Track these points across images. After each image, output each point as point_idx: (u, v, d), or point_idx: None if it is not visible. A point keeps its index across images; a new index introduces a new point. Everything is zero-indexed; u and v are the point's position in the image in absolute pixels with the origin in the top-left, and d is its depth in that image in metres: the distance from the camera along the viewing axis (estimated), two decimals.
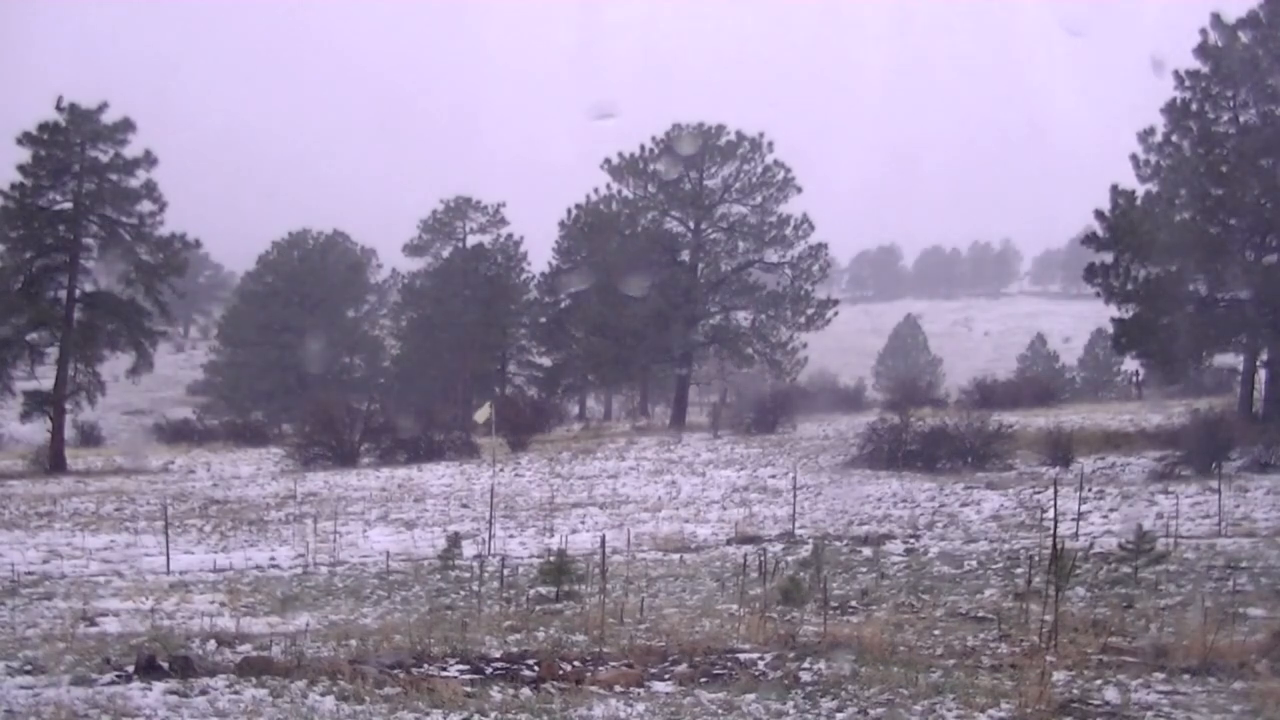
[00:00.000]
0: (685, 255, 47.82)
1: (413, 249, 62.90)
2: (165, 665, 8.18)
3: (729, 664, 8.71)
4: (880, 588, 13.70)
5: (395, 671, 8.09)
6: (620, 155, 46.65)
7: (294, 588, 15.51)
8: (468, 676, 8.18)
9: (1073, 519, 18.41)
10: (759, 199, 46.56)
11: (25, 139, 39.09)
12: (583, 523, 22.52)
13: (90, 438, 52.36)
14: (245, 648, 9.52)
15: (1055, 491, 17.61)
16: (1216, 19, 31.80)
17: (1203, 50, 31.85)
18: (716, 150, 46.22)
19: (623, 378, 54.60)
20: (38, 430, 43.60)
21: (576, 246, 63.31)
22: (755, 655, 8.99)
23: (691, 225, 47.44)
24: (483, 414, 29.89)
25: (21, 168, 39.38)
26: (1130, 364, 51.40)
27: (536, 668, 8.45)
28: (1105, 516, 19.78)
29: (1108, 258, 32.71)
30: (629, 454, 35.51)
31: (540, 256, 64.37)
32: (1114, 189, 32.61)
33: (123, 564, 18.40)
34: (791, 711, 7.27)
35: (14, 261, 39.96)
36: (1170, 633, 9.66)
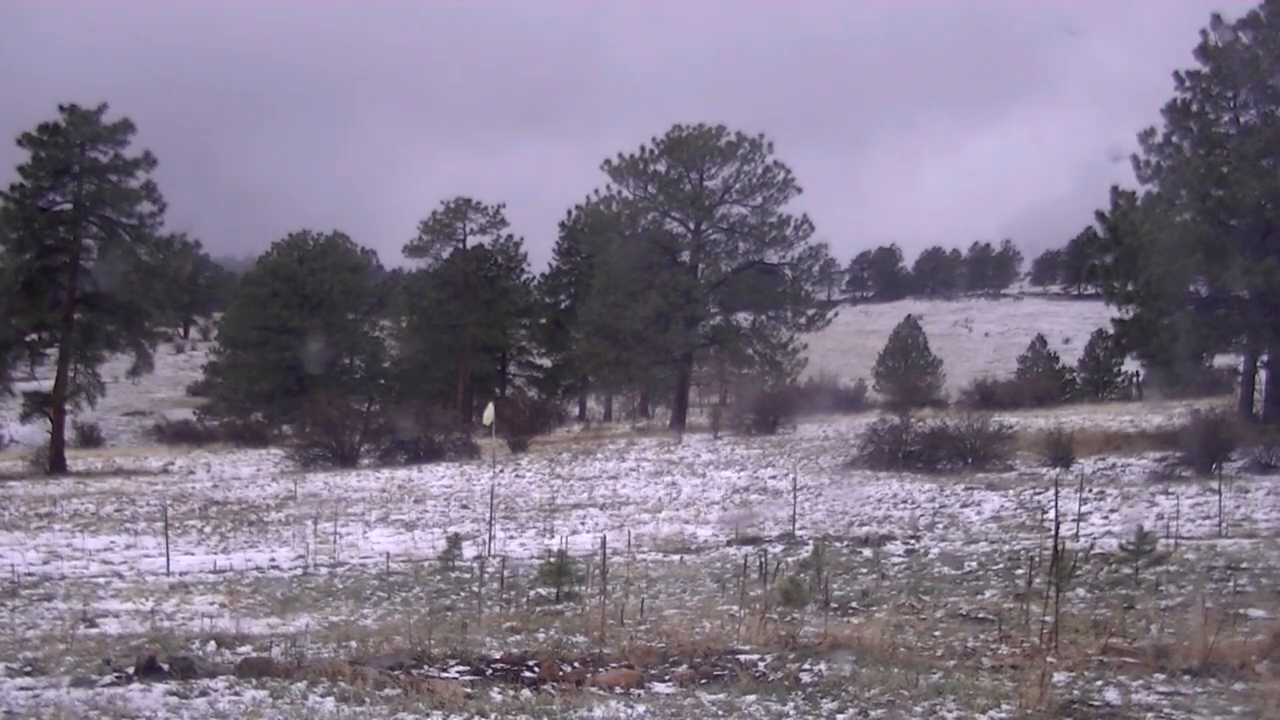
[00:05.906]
0: (685, 256, 47.73)
1: (413, 250, 62.94)
2: (165, 667, 8.17)
3: (729, 665, 8.70)
4: (881, 589, 13.68)
5: (395, 673, 8.07)
6: (620, 156, 46.63)
7: (294, 589, 15.51)
8: (468, 678, 8.17)
9: (1073, 520, 18.36)
10: (759, 200, 46.49)
11: (25, 140, 39.13)
12: (583, 524, 22.50)
13: (90, 439, 52.45)
14: (245, 649, 9.50)
15: (1056, 492, 17.65)
16: (1216, 19, 31.80)
17: (1203, 51, 31.85)
18: (716, 151, 46.17)
19: (623, 379, 54.55)
20: (38, 431, 43.65)
21: (576, 247, 63.46)
22: (756, 656, 8.97)
23: (692, 226, 47.38)
24: (490, 416, 29.95)
25: (21, 169, 39.42)
26: (1130, 365, 51.40)
27: (537, 669, 8.44)
28: (1106, 517, 19.74)
29: (1108, 258, 32.72)
30: (629, 455, 35.50)
31: (540, 257, 64.54)
32: (1114, 190, 32.65)
33: (123, 565, 18.41)
34: (792, 713, 7.26)
35: (14, 262, 39.97)
36: (1171, 634, 9.65)
